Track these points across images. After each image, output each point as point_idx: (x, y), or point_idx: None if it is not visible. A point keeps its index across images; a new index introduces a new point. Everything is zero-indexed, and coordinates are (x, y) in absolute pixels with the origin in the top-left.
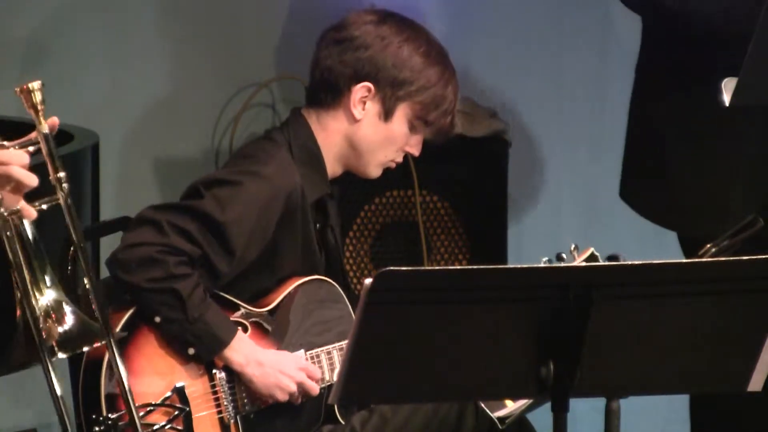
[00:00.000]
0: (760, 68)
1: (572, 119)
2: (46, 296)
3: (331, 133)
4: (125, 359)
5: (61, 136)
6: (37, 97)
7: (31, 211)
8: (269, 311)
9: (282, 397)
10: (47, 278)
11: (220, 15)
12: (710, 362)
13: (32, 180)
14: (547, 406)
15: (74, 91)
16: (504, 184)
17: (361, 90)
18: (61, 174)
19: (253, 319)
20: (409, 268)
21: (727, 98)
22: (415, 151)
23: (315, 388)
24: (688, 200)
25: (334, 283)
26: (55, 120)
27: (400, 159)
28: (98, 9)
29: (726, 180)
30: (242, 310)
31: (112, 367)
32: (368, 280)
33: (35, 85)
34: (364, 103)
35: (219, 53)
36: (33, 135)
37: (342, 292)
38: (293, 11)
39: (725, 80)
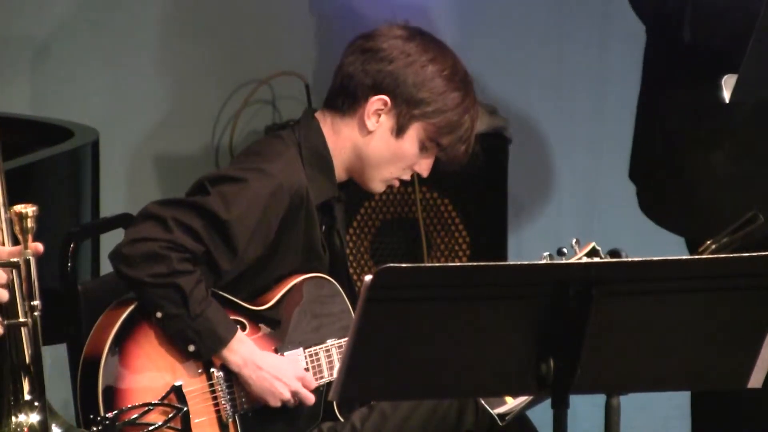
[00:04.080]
0: (760, 65)
1: (572, 117)
2: (29, 416)
3: (342, 139)
4: (125, 356)
5: (61, 132)
6: (28, 223)
7: None
8: (268, 309)
9: (274, 402)
10: (32, 397)
11: (220, 12)
12: (710, 359)
13: (3, 297)
14: (548, 402)
15: (74, 88)
16: (504, 180)
17: (377, 102)
18: (36, 303)
19: (252, 317)
20: (410, 264)
21: (727, 95)
22: (424, 172)
23: (310, 398)
24: (703, 206)
25: (332, 280)
26: (39, 247)
27: (406, 177)
28: (99, 8)
29: (742, 185)
30: (241, 308)
31: (110, 370)
32: (368, 277)
33: (29, 211)
34: (379, 115)
35: (219, 50)
36: (17, 252)
37: (341, 289)
38: (292, 8)
39: (725, 77)
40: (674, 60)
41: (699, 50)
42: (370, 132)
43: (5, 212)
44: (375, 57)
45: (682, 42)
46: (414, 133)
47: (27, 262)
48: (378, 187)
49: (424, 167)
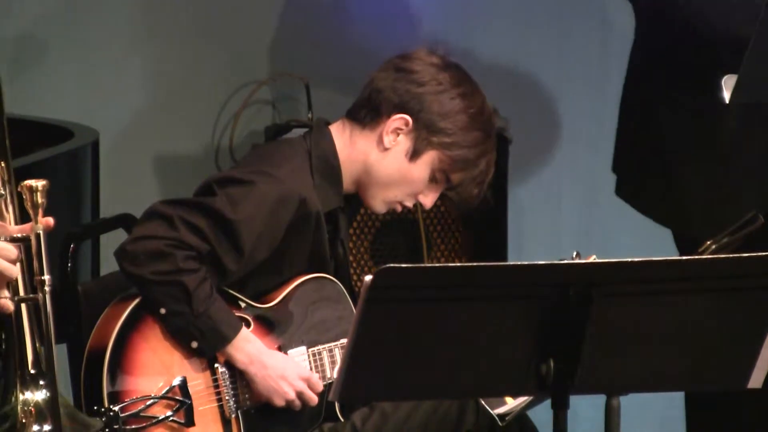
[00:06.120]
0: (760, 66)
1: (572, 116)
2: (35, 394)
3: (356, 151)
4: (130, 349)
5: (62, 133)
6: (38, 198)
7: (8, 305)
8: (272, 307)
9: (279, 402)
10: (36, 371)
11: (220, 12)
12: (710, 359)
13: (13, 273)
14: (548, 403)
15: (73, 88)
16: (504, 181)
17: (398, 120)
18: (46, 277)
19: (256, 315)
20: (410, 265)
21: (727, 95)
22: (428, 203)
23: (314, 399)
24: (689, 199)
25: (337, 281)
26: (50, 221)
27: (409, 204)
28: (98, 6)
29: (729, 179)
30: (246, 305)
31: (115, 362)
32: (368, 277)
33: (39, 185)
34: (398, 134)
35: (219, 50)
36: (28, 228)
37: (344, 290)
38: (293, 9)
39: (725, 77)
40: (663, 56)
41: (692, 22)
42: (385, 149)
43: (10, 189)
44: (407, 77)
45: (675, 33)
46: (428, 159)
47: (38, 237)
48: (379, 206)
49: (429, 199)
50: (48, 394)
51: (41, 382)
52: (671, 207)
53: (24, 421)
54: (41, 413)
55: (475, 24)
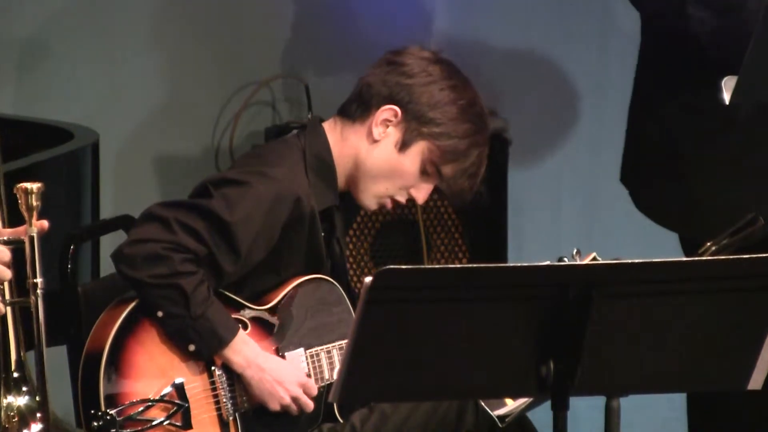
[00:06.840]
0: (760, 67)
1: (572, 117)
2: (18, 399)
3: (347, 147)
4: (127, 352)
5: (62, 134)
6: (33, 200)
7: (0, 308)
8: (270, 308)
9: (274, 406)
10: (20, 375)
11: (221, 13)
12: (710, 361)
13: (6, 276)
14: (548, 404)
15: (74, 89)
16: (504, 182)
17: (387, 111)
18: (38, 280)
19: (254, 317)
20: (409, 266)
21: (727, 96)
22: (420, 198)
23: (310, 405)
24: (697, 203)
25: (334, 282)
26: (44, 224)
27: (401, 199)
28: (98, 7)
29: (735, 182)
30: (243, 307)
31: (112, 366)
32: (368, 279)
33: (34, 187)
34: (387, 126)
35: (219, 51)
36: (22, 231)
37: (343, 292)
38: (293, 9)
39: (725, 78)
40: (672, 58)
41: (697, 36)
42: (375, 141)
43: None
44: (397, 70)
45: (681, 38)
46: (418, 150)
47: (31, 240)
48: (370, 202)
49: (421, 192)
50: (29, 400)
51: (24, 388)
52: (679, 210)
53: (7, 426)
54: (23, 419)
55: (475, 25)
